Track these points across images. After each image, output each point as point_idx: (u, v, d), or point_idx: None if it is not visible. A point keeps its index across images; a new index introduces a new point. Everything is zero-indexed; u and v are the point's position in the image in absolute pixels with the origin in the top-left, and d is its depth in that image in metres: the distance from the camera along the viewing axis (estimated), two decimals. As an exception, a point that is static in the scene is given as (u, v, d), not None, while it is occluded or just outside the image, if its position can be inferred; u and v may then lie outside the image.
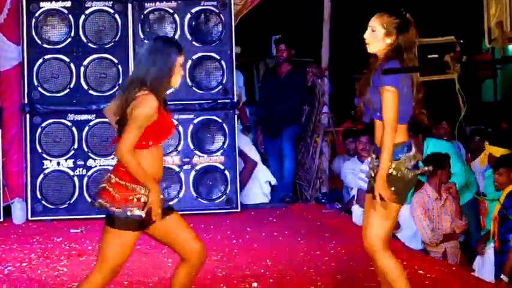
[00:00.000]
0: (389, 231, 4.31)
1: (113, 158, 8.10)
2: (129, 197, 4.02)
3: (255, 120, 9.85)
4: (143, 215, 4.02)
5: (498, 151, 7.11)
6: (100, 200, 4.06)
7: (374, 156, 4.34)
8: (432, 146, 7.61)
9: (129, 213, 4.00)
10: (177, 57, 4.10)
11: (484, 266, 6.82)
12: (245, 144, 9.02)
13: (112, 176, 4.10)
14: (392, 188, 4.21)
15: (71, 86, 8.11)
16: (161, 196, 4.09)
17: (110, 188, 4.06)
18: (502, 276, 6.32)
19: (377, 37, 4.29)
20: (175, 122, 7.55)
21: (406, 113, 4.28)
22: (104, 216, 4.09)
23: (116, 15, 8.17)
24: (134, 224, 4.03)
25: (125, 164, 4.00)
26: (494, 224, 6.64)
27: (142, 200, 4.03)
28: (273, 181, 9.03)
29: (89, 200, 8.05)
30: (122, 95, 4.11)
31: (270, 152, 9.37)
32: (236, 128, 8.37)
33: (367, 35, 4.32)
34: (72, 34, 8.10)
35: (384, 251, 4.26)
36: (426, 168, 4.39)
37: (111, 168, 7.78)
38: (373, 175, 4.31)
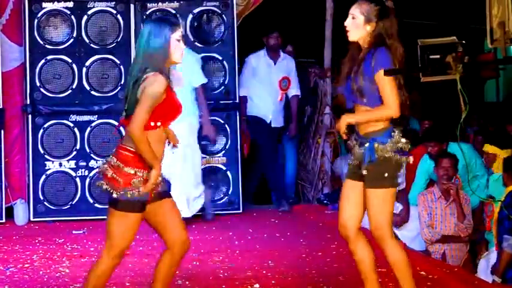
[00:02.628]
0: (391, 214, 4.36)
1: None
2: (131, 180, 4.07)
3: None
4: (146, 198, 4.09)
5: (494, 150, 7.16)
6: (103, 183, 4.11)
7: (355, 143, 4.40)
8: (455, 149, 7.54)
9: (129, 195, 4.06)
10: (170, 35, 4.14)
11: (488, 267, 6.79)
12: None
13: (114, 158, 4.13)
14: (386, 174, 4.29)
15: (73, 86, 8.10)
16: (161, 178, 4.15)
17: (111, 171, 4.10)
18: (494, 277, 6.30)
19: (357, 24, 4.38)
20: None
21: None
22: (108, 199, 4.14)
23: (118, 16, 8.16)
24: (137, 205, 4.10)
25: (137, 142, 4.03)
26: (494, 225, 6.62)
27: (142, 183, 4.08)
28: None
29: (91, 201, 8.05)
30: (129, 81, 4.14)
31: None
32: (238, 129, 8.36)
33: (347, 23, 4.41)
34: (75, 35, 8.09)
35: (392, 238, 4.33)
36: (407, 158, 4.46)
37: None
38: (353, 163, 4.39)
